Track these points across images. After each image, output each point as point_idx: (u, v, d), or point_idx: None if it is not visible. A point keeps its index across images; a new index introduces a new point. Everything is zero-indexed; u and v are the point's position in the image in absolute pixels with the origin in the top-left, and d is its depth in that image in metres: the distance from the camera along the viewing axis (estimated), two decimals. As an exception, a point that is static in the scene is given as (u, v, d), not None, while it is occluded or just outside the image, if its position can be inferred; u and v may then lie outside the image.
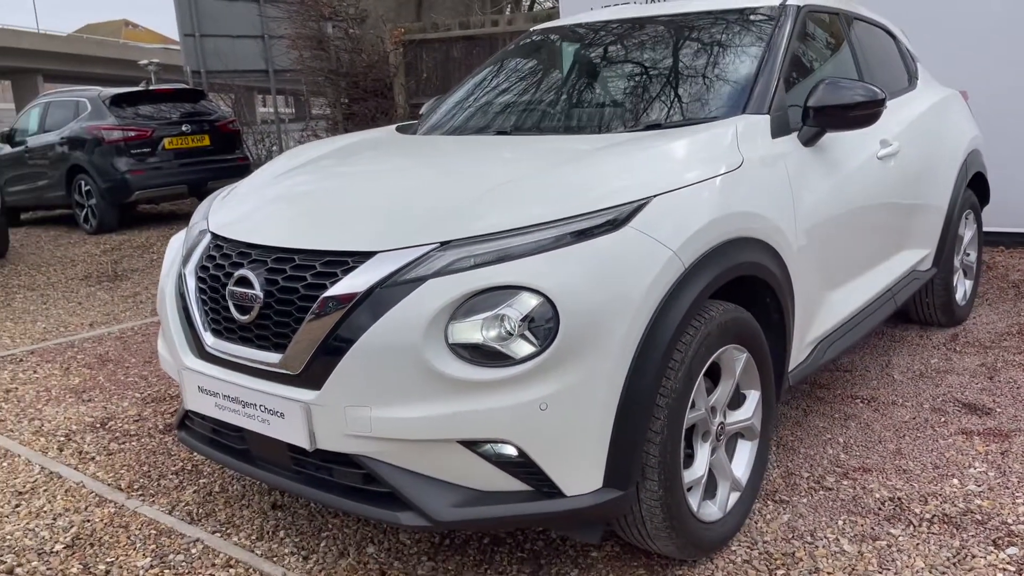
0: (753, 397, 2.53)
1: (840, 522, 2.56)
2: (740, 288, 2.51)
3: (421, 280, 2.00)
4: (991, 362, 3.86)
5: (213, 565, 2.46)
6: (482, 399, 1.96)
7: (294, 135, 14.72)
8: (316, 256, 2.15)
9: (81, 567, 2.48)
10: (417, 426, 1.98)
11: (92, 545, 2.61)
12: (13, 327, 5.61)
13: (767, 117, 2.71)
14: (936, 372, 3.78)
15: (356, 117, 9.69)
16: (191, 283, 2.42)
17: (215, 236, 2.45)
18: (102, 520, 2.76)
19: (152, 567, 2.47)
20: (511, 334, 1.95)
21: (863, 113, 2.79)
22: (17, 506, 2.91)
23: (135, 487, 3.00)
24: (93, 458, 3.28)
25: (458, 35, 8.77)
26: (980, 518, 2.54)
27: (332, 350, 2.03)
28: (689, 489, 2.31)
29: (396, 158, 2.90)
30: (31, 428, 3.65)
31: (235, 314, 2.24)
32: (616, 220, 2.08)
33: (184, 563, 2.48)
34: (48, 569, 2.48)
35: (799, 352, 2.82)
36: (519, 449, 1.99)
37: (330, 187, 2.61)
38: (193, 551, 2.54)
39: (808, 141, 2.82)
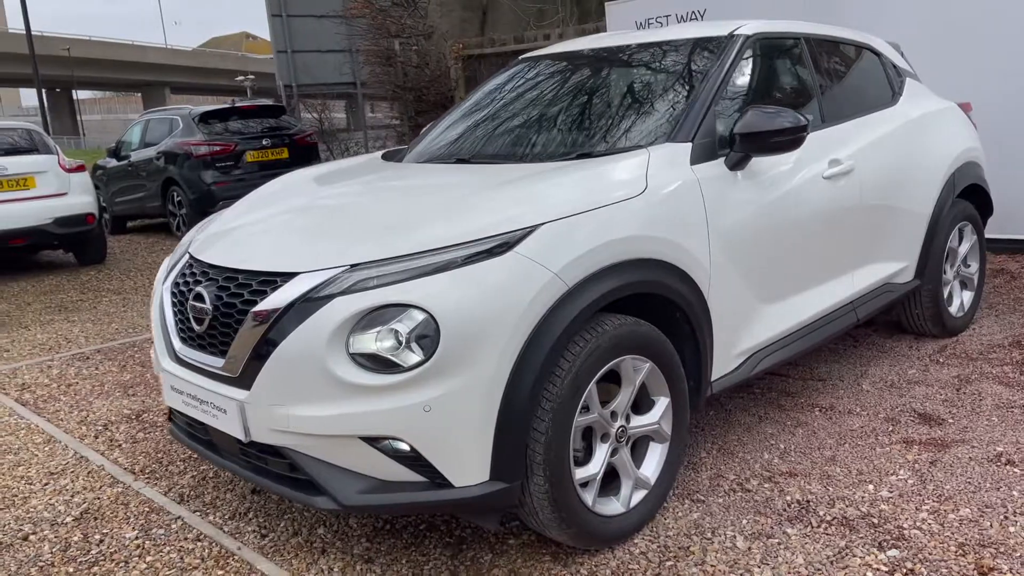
0: (662, 403, 2.76)
1: (744, 521, 2.76)
2: (650, 304, 2.76)
3: (330, 297, 2.34)
4: (967, 374, 3.92)
5: (185, 539, 2.87)
6: (378, 401, 2.28)
7: (374, 144, 15.43)
8: (253, 276, 2.53)
9: (82, 536, 2.94)
10: (325, 423, 2.32)
11: (96, 519, 3.07)
12: (92, 327, 6.27)
13: (688, 145, 2.93)
14: (907, 383, 3.87)
15: (421, 128, 10.18)
16: (167, 297, 2.84)
17: (190, 256, 2.86)
18: (109, 498, 3.23)
19: (137, 538, 2.90)
20: (401, 345, 2.26)
21: (785, 139, 2.97)
22: (46, 484, 3.41)
23: (146, 471, 3.46)
24: (120, 445, 3.77)
25: (512, 49, 9.10)
26: (876, 521, 2.69)
27: (259, 356, 2.40)
28: (585, 485, 2.57)
29: (354, 186, 3.26)
30: (78, 418, 4.19)
31: (193, 324, 2.64)
32: (505, 244, 2.37)
33: (162, 536, 2.90)
34: (56, 537, 2.95)
35: (725, 363, 3.02)
36: (410, 445, 2.30)
37: (281, 214, 2.99)
38: (173, 527, 2.96)
39: (735, 166, 3.02)
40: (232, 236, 2.87)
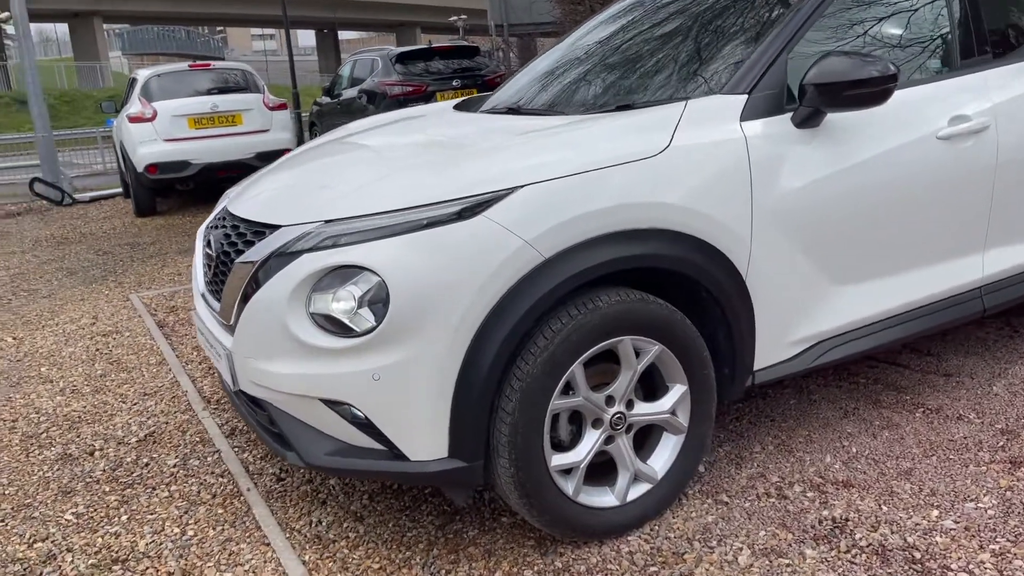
0: (676, 391, 2.46)
1: (762, 533, 2.42)
2: (672, 279, 2.45)
3: (299, 253, 2.27)
4: None
5: (211, 473, 2.99)
6: (334, 364, 2.21)
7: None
8: (251, 226, 2.52)
9: (134, 458, 3.16)
10: (288, 382, 2.29)
11: (154, 442, 3.28)
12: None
13: (742, 98, 2.54)
14: (1052, 389, 3.22)
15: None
16: (199, 243, 2.93)
17: (225, 207, 2.92)
18: (175, 424, 3.44)
19: (174, 466, 3.07)
20: (355, 308, 2.16)
21: (868, 91, 2.49)
22: (135, 403, 3.70)
23: (218, 402, 3.65)
24: (212, 374, 4.01)
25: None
26: (918, 556, 2.26)
27: (240, 307, 2.40)
28: (569, 472, 2.36)
29: (388, 137, 3.15)
30: (193, 344, 4.51)
31: (206, 269, 2.70)
32: (475, 207, 2.17)
33: (195, 467, 3.05)
34: (115, 456, 3.19)
35: (773, 350, 2.64)
36: (363, 413, 2.22)
37: (304, 167, 2.94)
38: (208, 459, 3.10)
39: (804, 122, 2.58)
40: (258, 186, 2.89)
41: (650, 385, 2.53)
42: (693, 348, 2.44)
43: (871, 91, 2.48)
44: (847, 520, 2.45)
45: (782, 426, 3.07)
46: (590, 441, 2.37)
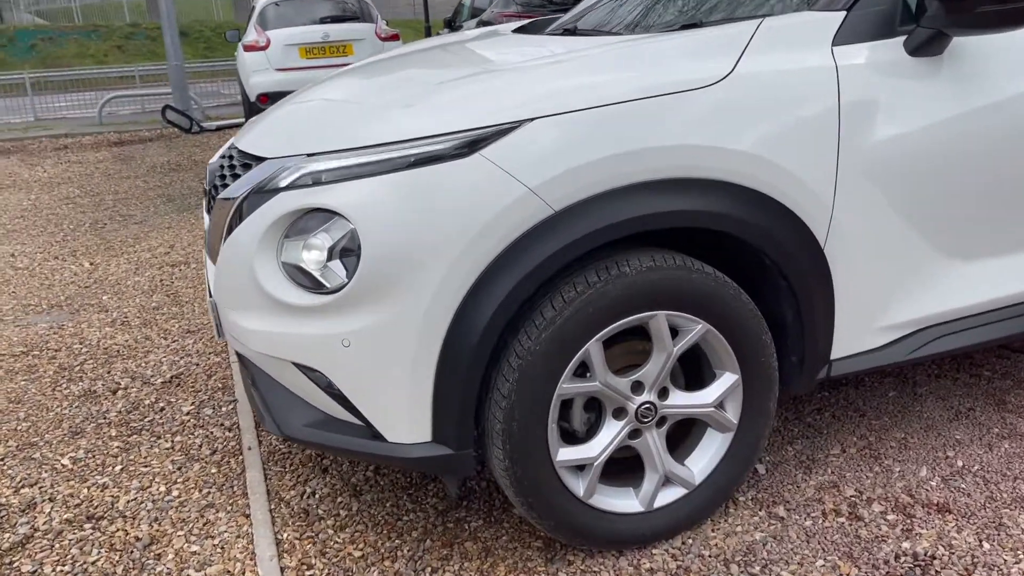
0: (726, 381, 2.01)
1: (819, 563, 1.96)
2: (730, 243, 1.99)
3: (276, 191, 1.94)
4: None
5: (220, 425, 2.77)
6: (302, 324, 1.88)
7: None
8: (245, 158, 2.20)
9: (152, 401, 2.98)
10: (256, 339, 1.98)
11: (177, 385, 3.10)
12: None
13: (838, 15, 1.99)
14: None
15: None
16: (208, 175, 2.65)
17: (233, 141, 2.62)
18: (204, 367, 3.25)
19: (187, 414, 2.86)
20: (325, 261, 1.82)
21: (1013, 8, 1.89)
22: (175, 341, 3.54)
23: (257, 345, 3.43)
24: (261, 314, 3.81)
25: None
26: (1020, 620, 1.75)
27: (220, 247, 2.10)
28: (582, 468, 1.96)
29: (426, 62, 2.73)
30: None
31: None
32: (470, 144, 1.77)
33: (208, 416, 2.83)
34: (135, 396, 3.02)
35: (859, 337, 2.13)
36: (334, 384, 1.89)
37: (325, 94, 2.58)
38: (223, 409, 2.88)
39: (921, 48, 2.01)
40: (270, 115, 2.56)
41: (694, 371, 2.09)
42: (748, 329, 1.97)
43: (1009, 9, 1.89)
44: (934, 558, 1.95)
45: (872, 424, 2.55)
46: (609, 434, 1.96)
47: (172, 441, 2.67)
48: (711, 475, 2.07)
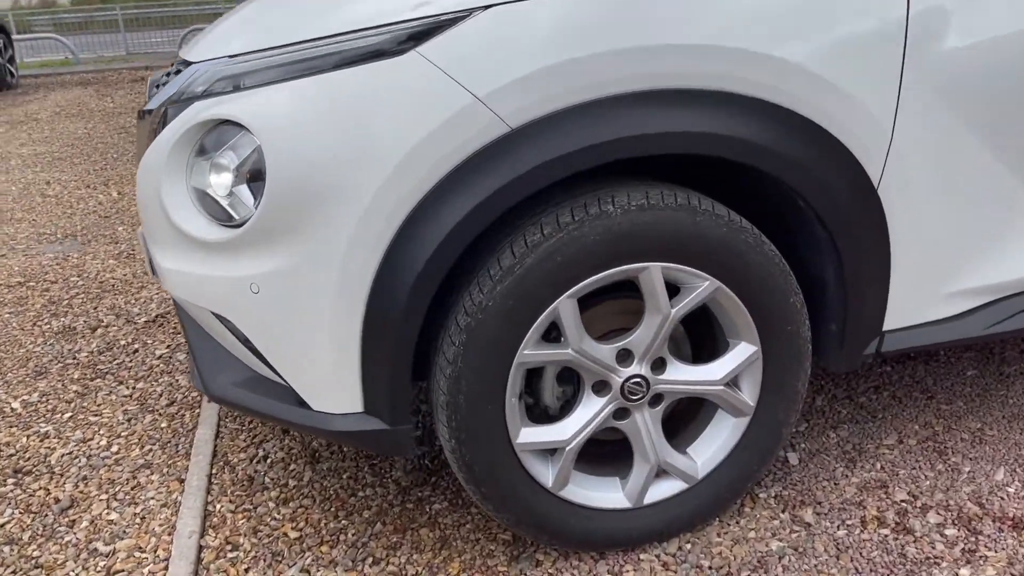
0: (740, 353, 1.59)
1: (835, 572, 1.55)
2: (749, 183, 1.56)
3: (191, 100, 1.59)
4: None
5: (187, 372, 2.50)
6: (211, 264, 1.55)
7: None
8: (181, 67, 1.86)
9: (128, 343, 2.73)
10: (173, 281, 1.66)
11: (159, 327, 2.84)
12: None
13: None
14: None
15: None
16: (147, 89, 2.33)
17: None
18: (193, 306, 2.98)
19: (159, 358, 2.60)
20: (231, 185, 1.48)
21: None
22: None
23: (255, 284, 3.15)
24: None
25: None
26: None
27: (145, 172, 1.78)
28: (554, 452, 1.59)
29: None
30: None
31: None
32: (401, 41, 1.38)
33: (180, 361, 2.56)
34: (116, 333, 2.78)
35: (921, 304, 1.67)
36: (249, 339, 1.56)
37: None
38: (196, 354, 2.61)
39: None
40: (219, 20, 2.21)
41: (703, 338, 1.68)
42: (772, 289, 1.54)
43: None
44: (999, 592, 1.51)
45: (942, 410, 2.08)
46: (586, 413, 1.57)
47: (133, 388, 2.41)
48: (719, 468, 1.66)
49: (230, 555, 1.72)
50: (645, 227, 1.44)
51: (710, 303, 1.56)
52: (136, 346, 2.69)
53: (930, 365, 2.29)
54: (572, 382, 1.62)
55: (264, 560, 1.70)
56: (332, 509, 1.85)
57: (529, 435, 1.55)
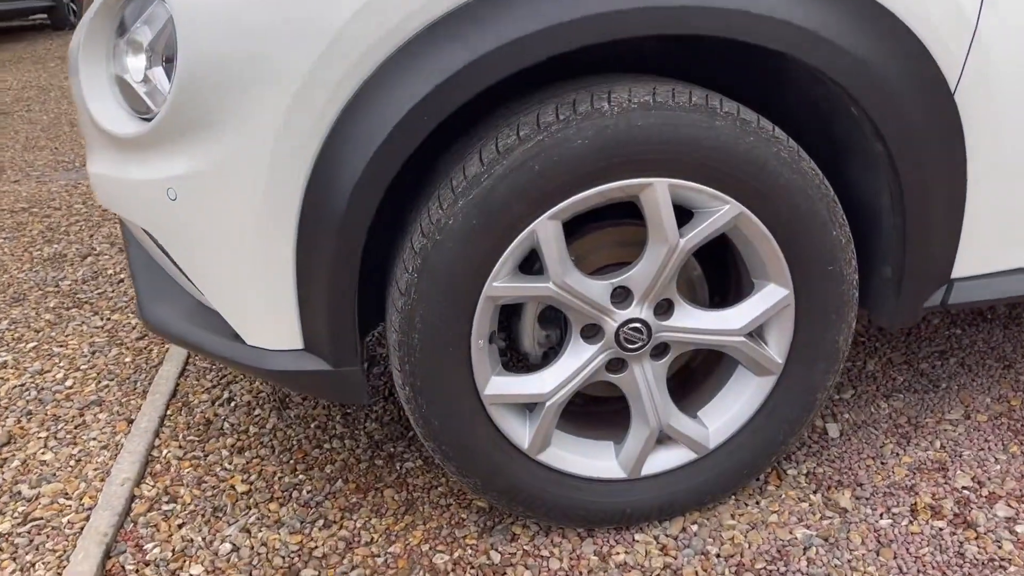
0: (767, 297, 1.29)
1: (872, 570, 1.25)
2: (784, 82, 1.25)
3: (118, -31, 1.34)
4: None
5: (167, 304, 2.29)
6: (130, 166, 1.30)
7: None
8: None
9: (118, 269, 2.54)
10: (97, 187, 1.43)
11: (152, 255, 2.65)
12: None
13: None
14: None
15: None
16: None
17: None
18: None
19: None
20: (146, 68, 1.22)
21: None
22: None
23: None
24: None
25: None
26: None
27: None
28: (533, 408, 1.32)
29: None
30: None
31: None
32: None
33: (159, 294, 2.36)
34: (101, 264, 2.59)
35: (1004, 248, 1.34)
36: (172, 257, 1.32)
37: None
38: (181, 286, 2.40)
39: None
40: None
41: (727, 283, 1.38)
42: (810, 218, 1.23)
43: None
44: (1082, 610, 1.20)
45: (1021, 383, 1.75)
46: (572, 363, 1.29)
47: (107, 320, 2.21)
48: (736, 437, 1.37)
49: (165, 507, 1.50)
50: (649, 132, 1.14)
51: (730, 233, 1.25)
52: (122, 276, 2.49)
53: (1010, 329, 1.95)
54: (558, 325, 1.34)
55: (202, 515, 1.48)
56: (291, 462, 1.62)
57: (500, 385, 1.27)
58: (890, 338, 1.93)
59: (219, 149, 1.16)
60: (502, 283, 1.20)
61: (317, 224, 1.15)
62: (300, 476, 1.58)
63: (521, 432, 1.31)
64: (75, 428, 1.73)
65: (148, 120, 1.23)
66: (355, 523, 1.45)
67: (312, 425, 1.73)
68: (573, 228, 1.35)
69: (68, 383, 1.91)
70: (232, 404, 1.81)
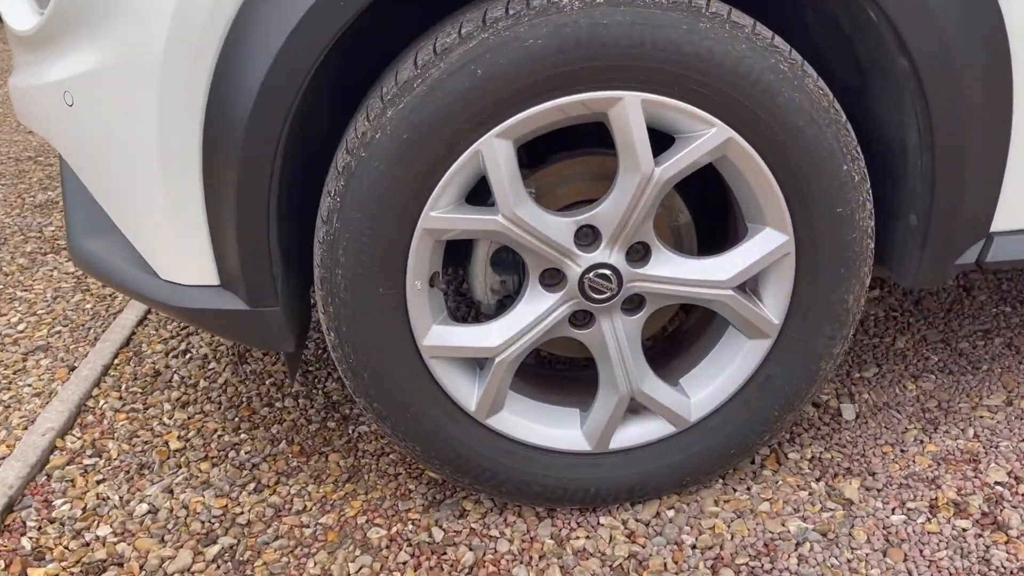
0: (763, 242, 1.08)
1: (876, 573, 1.05)
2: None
3: None
4: None
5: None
6: (32, 69, 1.15)
7: None
8: None
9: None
10: (14, 98, 1.28)
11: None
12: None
13: None
14: None
15: None
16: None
17: None
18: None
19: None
20: (45, -47, 1.07)
21: None
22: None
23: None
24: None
25: None
26: None
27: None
28: (483, 365, 1.14)
29: None
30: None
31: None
32: None
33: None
34: (91, 212, 2.48)
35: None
36: (76, 171, 1.17)
37: None
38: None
39: None
40: None
41: (723, 231, 1.18)
42: (815, 149, 1.02)
43: None
44: None
45: (1073, 366, 1.50)
46: (528, 313, 1.10)
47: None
48: (723, 409, 1.17)
49: (87, 461, 1.36)
50: (617, 33, 0.94)
51: (718, 165, 1.05)
52: (107, 223, 2.37)
53: (1070, 309, 1.70)
54: (516, 271, 1.16)
55: (126, 472, 1.33)
56: (236, 419, 1.46)
57: (442, 336, 1.09)
58: (927, 314, 1.70)
59: (110, 42, 1.00)
60: (441, 213, 1.02)
61: (222, 134, 0.98)
62: (242, 435, 1.42)
63: (468, 392, 1.13)
64: (13, 374, 1.61)
65: (40, 15, 1.08)
66: (289, 489, 1.29)
67: (267, 382, 1.57)
68: (542, 158, 1.16)
69: (21, 327, 1.78)
70: (188, 356, 1.66)
